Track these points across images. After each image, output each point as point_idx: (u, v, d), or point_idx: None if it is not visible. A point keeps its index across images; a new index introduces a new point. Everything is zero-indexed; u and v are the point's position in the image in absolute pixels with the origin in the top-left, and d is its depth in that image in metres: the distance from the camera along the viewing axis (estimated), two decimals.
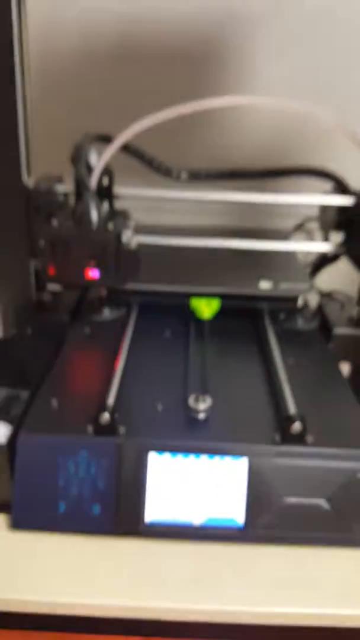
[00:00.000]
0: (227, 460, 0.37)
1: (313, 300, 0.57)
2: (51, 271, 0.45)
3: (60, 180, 0.51)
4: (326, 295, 0.60)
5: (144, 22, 0.65)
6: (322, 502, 0.37)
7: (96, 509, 0.37)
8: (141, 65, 0.68)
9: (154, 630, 0.38)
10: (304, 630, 0.37)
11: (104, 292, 0.55)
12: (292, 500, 0.37)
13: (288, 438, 0.38)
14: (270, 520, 0.37)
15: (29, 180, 0.47)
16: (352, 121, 0.48)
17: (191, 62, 0.67)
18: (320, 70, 0.67)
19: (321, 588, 0.36)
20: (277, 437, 0.38)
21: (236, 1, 0.64)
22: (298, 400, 0.41)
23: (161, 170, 0.53)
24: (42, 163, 0.51)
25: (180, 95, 0.68)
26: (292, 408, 0.39)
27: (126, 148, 0.49)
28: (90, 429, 0.38)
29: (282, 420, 0.38)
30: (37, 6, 0.46)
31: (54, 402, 0.41)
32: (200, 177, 0.55)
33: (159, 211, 0.59)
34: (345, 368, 0.50)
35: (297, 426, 0.37)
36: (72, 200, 0.51)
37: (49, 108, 0.52)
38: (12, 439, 0.38)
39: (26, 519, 0.38)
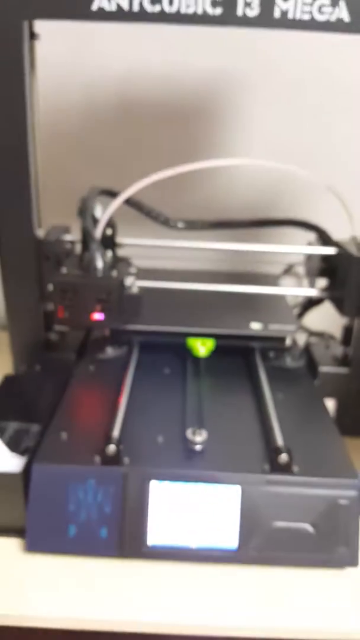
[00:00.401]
0: (222, 488, 0.41)
1: (301, 339, 0.61)
2: (60, 314, 0.50)
3: (67, 230, 0.56)
4: (313, 335, 0.65)
5: (143, 83, 0.72)
6: (307, 527, 0.41)
7: (103, 532, 0.40)
8: (141, 122, 0.74)
9: None
10: None
11: (107, 332, 0.59)
12: (281, 524, 0.41)
13: (276, 468, 0.41)
14: (261, 543, 0.40)
15: (39, 231, 0.52)
16: (330, 176, 0.55)
17: (187, 120, 0.73)
18: (305, 127, 0.74)
19: (307, 605, 0.39)
20: (267, 467, 0.42)
21: (228, 65, 0.71)
22: (286, 433, 0.45)
23: (159, 220, 0.59)
24: (49, 213, 0.56)
25: (178, 149, 0.75)
26: (279, 440, 0.43)
27: (127, 201, 0.54)
28: (97, 459, 0.42)
29: (271, 452, 0.42)
30: (45, 68, 0.52)
31: (64, 435, 0.44)
32: (196, 226, 0.60)
33: (157, 257, 0.65)
34: (330, 404, 0.54)
35: (284, 457, 0.41)
36: (78, 248, 0.56)
37: (55, 163, 0.57)
38: (27, 469, 0.41)
39: (39, 542, 0.41)
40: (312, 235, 0.58)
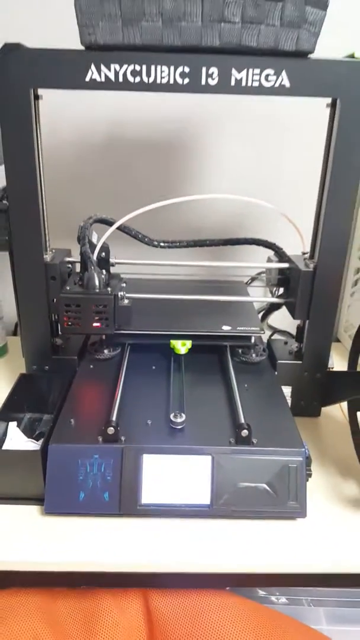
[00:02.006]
0: (197, 458, 0.52)
1: (264, 337, 0.73)
2: (65, 324, 0.60)
3: (69, 254, 0.66)
4: (276, 332, 0.76)
5: (128, 124, 0.82)
6: (265, 486, 0.51)
7: (106, 496, 0.51)
8: (126, 157, 0.84)
9: (150, 581, 0.52)
10: (253, 576, 0.51)
11: (103, 336, 0.70)
12: (244, 485, 0.51)
13: (239, 440, 0.52)
14: (228, 500, 0.51)
15: (46, 256, 0.62)
16: (285, 202, 0.65)
17: (167, 154, 0.84)
18: (264, 161, 0.85)
19: (266, 547, 0.50)
20: (232, 440, 0.53)
21: (200, 108, 0.82)
22: (248, 413, 0.55)
23: (144, 241, 0.68)
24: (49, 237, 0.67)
25: (160, 180, 0.86)
26: (242, 419, 0.54)
27: (118, 226, 0.65)
28: (100, 439, 0.52)
29: (235, 428, 0.53)
30: (42, 111, 0.58)
31: (72, 421, 0.55)
32: (175, 245, 0.70)
33: (144, 272, 0.75)
34: (287, 390, 0.65)
35: (245, 432, 0.52)
36: (77, 268, 0.66)
37: (52, 194, 0.67)
38: (44, 448, 0.52)
39: (55, 506, 0.51)
40: (271, 252, 0.69)
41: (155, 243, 0.69)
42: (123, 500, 0.51)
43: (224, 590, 0.56)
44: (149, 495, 0.51)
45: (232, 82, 0.53)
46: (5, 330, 0.84)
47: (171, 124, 0.83)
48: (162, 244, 0.69)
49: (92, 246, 0.62)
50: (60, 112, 0.80)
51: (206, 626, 0.52)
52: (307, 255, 0.65)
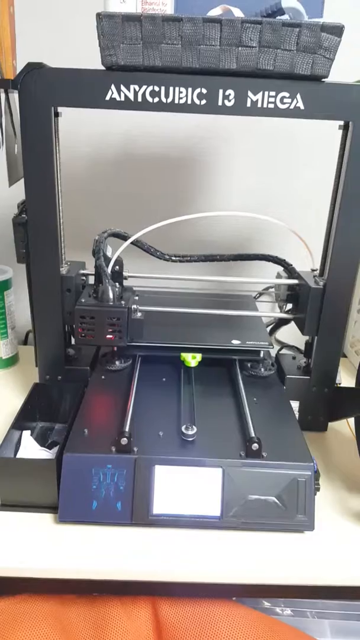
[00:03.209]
0: (208, 470, 0.53)
1: (273, 352, 0.74)
2: (80, 335, 0.61)
3: (83, 267, 0.68)
4: (284, 347, 0.77)
5: (142, 140, 0.84)
6: (274, 499, 0.52)
7: (119, 505, 0.52)
8: (140, 173, 0.86)
9: (159, 590, 0.53)
10: (260, 587, 0.52)
11: (115, 348, 0.71)
12: (253, 497, 0.52)
13: (249, 454, 0.53)
14: (238, 512, 0.52)
15: (62, 269, 0.63)
16: (295, 218, 0.67)
17: (179, 170, 0.86)
18: (274, 177, 0.87)
19: (273, 559, 0.51)
20: (242, 453, 0.53)
21: (212, 123, 0.83)
22: (258, 427, 0.56)
23: (156, 255, 0.70)
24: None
25: (172, 195, 0.88)
26: (252, 433, 0.55)
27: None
28: (113, 449, 0.53)
29: (246, 442, 0.54)
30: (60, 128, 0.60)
31: (86, 431, 0.56)
32: (187, 259, 0.71)
33: (156, 286, 0.77)
34: (295, 405, 0.66)
35: (255, 446, 0.53)
36: (91, 280, 0.68)
37: (67, 208, 0.69)
38: (58, 457, 0.53)
39: (69, 514, 0.52)
40: (280, 267, 0.71)
41: (167, 257, 0.70)
42: (135, 510, 0.52)
43: (231, 600, 0.57)
44: (160, 505, 0.52)
45: (248, 104, 0.55)
46: (17, 339, 0.85)
47: (183, 139, 0.84)
48: (173, 258, 0.71)
49: (107, 260, 0.63)
50: (76, 126, 0.81)
51: (213, 635, 0.53)
52: (316, 272, 0.67)
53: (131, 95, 0.54)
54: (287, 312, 0.70)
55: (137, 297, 0.65)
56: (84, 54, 0.55)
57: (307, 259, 0.67)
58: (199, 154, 0.85)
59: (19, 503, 0.54)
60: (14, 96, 0.57)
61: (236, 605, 0.56)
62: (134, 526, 0.53)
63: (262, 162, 0.86)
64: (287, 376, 0.67)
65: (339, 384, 0.67)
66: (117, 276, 0.64)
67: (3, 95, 0.58)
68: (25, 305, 0.69)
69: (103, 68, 0.53)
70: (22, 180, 0.58)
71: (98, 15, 0.50)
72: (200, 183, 0.87)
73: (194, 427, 0.56)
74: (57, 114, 0.58)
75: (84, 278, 0.68)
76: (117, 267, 0.65)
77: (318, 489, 0.54)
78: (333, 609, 0.61)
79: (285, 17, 0.52)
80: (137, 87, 0.54)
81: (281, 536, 0.53)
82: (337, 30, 0.51)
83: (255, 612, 0.57)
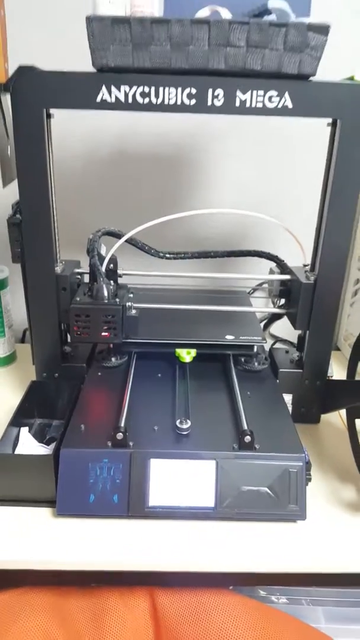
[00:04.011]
0: (202, 462, 0.54)
1: (266, 346, 0.75)
2: (75, 333, 0.62)
3: (78, 265, 0.69)
4: (278, 341, 0.78)
5: (135, 139, 0.84)
6: (267, 490, 0.54)
7: (115, 498, 0.53)
8: (134, 171, 0.86)
9: (156, 580, 0.55)
10: (254, 575, 0.54)
11: (110, 345, 0.72)
12: (246, 488, 0.54)
13: (242, 446, 0.54)
14: (231, 502, 0.54)
15: (57, 268, 0.64)
16: (286, 214, 0.67)
17: (173, 168, 0.86)
18: (265, 174, 0.88)
19: (266, 548, 0.52)
20: (235, 446, 0.55)
21: (204, 123, 0.84)
22: (251, 420, 0.58)
23: (150, 253, 0.71)
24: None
25: (165, 193, 0.89)
26: (245, 425, 0.56)
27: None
28: (109, 443, 0.54)
29: (239, 434, 0.55)
30: (53, 127, 0.60)
31: (82, 427, 0.57)
32: (180, 256, 0.72)
33: (151, 282, 0.78)
34: (287, 398, 0.67)
35: (248, 438, 0.54)
36: (86, 278, 0.69)
37: (61, 207, 0.69)
38: (56, 453, 0.54)
39: (67, 508, 0.53)
40: (273, 263, 0.72)
41: (161, 254, 0.71)
42: (131, 503, 0.53)
43: (227, 589, 0.58)
44: (156, 497, 0.54)
45: (237, 103, 0.55)
46: (14, 337, 0.87)
47: (176, 138, 0.85)
48: (167, 255, 0.72)
49: (101, 258, 0.64)
50: (68, 126, 0.82)
51: (210, 623, 0.54)
52: (307, 268, 0.68)
53: (122, 96, 0.55)
54: (280, 307, 0.72)
55: (131, 295, 0.66)
56: (74, 55, 0.56)
57: (299, 254, 0.68)
58: (192, 152, 0.86)
59: (18, 498, 0.55)
60: (6, 98, 0.58)
61: (232, 594, 0.58)
62: (131, 518, 0.54)
63: (254, 159, 0.87)
64: (280, 370, 0.68)
65: (331, 376, 0.69)
66: (112, 274, 0.65)
67: None
68: (22, 303, 0.70)
69: (94, 70, 0.54)
70: (16, 181, 0.59)
71: (88, 18, 0.51)
72: (193, 181, 0.88)
73: (188, 421, 0.57)
74: (49, 116, 0.59)
75: (78, 277, 0.69)
76: (112, 265, 0.66)
77: (309, 479, 0.55)
78: (326, 596, 0.63)
79: (272, 17, 0.53)
80: (127, 88, 0.54)
81: (274, 526, 0.54)
82: (323, 30, 0.52)
83: (250, 601, 0.58)
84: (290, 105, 0.56)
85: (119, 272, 0.67)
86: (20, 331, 0.93)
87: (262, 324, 0.76)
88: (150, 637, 0.55)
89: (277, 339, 0.82)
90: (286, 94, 0.55)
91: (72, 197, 0.86)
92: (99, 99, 0.55)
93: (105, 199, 0.89)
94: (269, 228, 0.82)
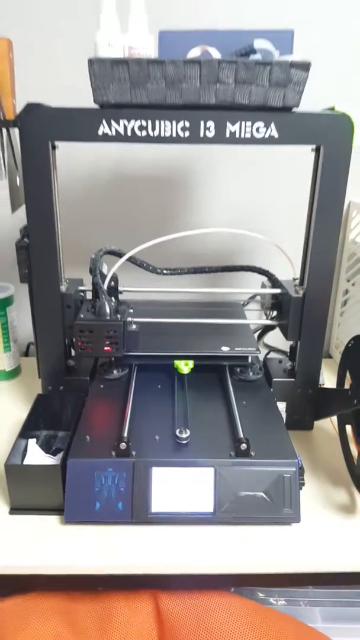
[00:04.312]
0: (201, 469, 0.57)
1: (260, 356, 0.79)
2: (80, 348, 0.66)
3: (81, 283, 0.73)
4: (272, 350, 0.82)
5: (133, 163, 0.89)
6: (262, 494, 0.57)
7: (120, 505, 0.56)
8: (132, 194, 0.91)
9: (159, 583, 0.58)
10: (252, 576, 0.57)
11: (112, 358, 0.75)
12: (243, 494, 0.56)
13: (239, 453, 0.58)
14: (229, 507, 0.56)
15: (62, 287, 0.68)
16: (276, 231, 0.71)
17: (168, 191, 0.91)
18: (255, 194, 0.92)
19: (263, 550, 0.55)
20: (232, 453, 0.58)
21: (197, 147, 0.88)
22: (246, 428, 0.61)
23: (149, 269, 0.75)
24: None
25: (162, 213, 0.93)
26: (241, 433, 0.60)
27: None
28: (113, 453, 0.57)
29: (235, 442, 0.59)
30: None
31: (87, 437, 0.60)
32: (177, 272, 0.76)
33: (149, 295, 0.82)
34: (281, 406, 0.71)
35: (244, 446, 0.57)
36: (88, 295, 0.73)
37: (64, 228, 0.74)
38: (63, 463, 0.57)
39: (74, 515, 0.56)
40: (265, 278, 0.76)
41: (159, 271, 0.75)
42: (135, 509, 0.56)
43: (228, 591, 0.61)
44: (158, 504, 0.57)
45: (227, 134, 0.60)
46: (19, 351, 0.90)
47: (172, 161, 0.89)
48: (165, 272, 0.75)
49: (103, 277, 0.68)
50: (70, 151, 0.85)
51: (212, 624, 0.57)
52: (297, 281, 0.72)
53: (121, 130, 0.59)
54: (272, 318, 0.75)
55: (131, 310, 0.70)
56: (77, 93, 0.60)
57: (289, 267, 0.72)
58: (186, 174, 0.91)
59: (28, 506, 0.58)
60: (15, 132, 0.62)
61: (233, 595, 0.60)
62: (135, 524, 0.57)
63: (245, 179, 0.91)
64: (274, 379, 0.72)
65: (322, 384, 0.72)
66: (113, 291, 0.69)
67: (5, 132, 0.63)
68: (25, 319, 0.73)
69: (95, 105, 0.59)
70: (24, 207, 0.63)
71: (90, 60, 0.56)
72: (188, 200, 0.92)
73: (187, 430, 0.60)
74: (54, 147, 0.63)
75: (82, 294, 0.72)
76: (113, 282, 0.69)
77: (303, 484, 0.58)
78: (322, 597, 0.66)
79: (258, 56, 0.58)
80: (126, 122, 0.59)
81: (270, 529, 0.57)
82: (304, 66, 0.56)
83: (250, 602, 0.61)
84: (276, 135, 0.60)
85: (120, 288, 0.71)
86: (24, 345, 0.97)
87: (255, 335, 0.80)
88: (155, 639, 0.58)
89: (270, 349, 0.86)
90: (272, 125, 0.60)
91: (74, 218, 0.90)
92: (100, 132, 0.59)
93: (105, 218, 0.93)
94: (261, 243, 0.86)
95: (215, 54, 0.58)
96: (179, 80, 0.57)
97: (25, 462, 0.62)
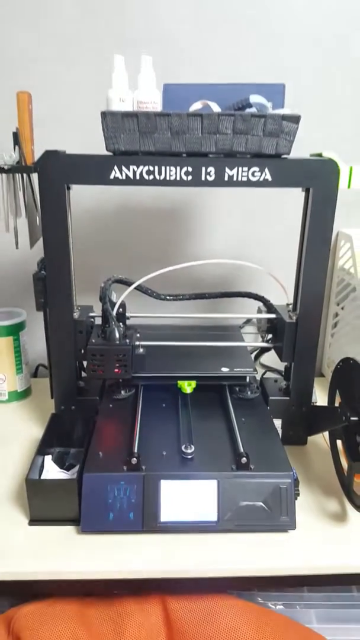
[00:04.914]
0: (205, 482, 0.62)
1: (257, 376, 0.85)
2: (91, 370, 0.71)
3: (91, 310, 0.79)
4: (269, 370, 0.88)
5: (138, 196, 0.95)
6: (261, 504, 0.62)
7: (131, 515, 0.61)
8: (136, 225, 0.97)
9: (168, 587, 0.63)
10: (253, 579, 0.62)
11: (120, 379, 0.81)
12: (244, 504, 0.62)
13: (239, 467, 0.63)
14: (232, 516, 0.62)
15: (75, 314, 0.74)
16: (271, 258, 0.77)
17: (172, 221, 0.97)
18: (252, 225, 0.99)
19: (263, 554, 0.60)
20: (234, 467, 0.63)
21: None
22: (246, 443, 0.66)
23: (153, 295, 0.81)
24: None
25: (165, 243, 0.99)
26: (241, 448, 0.65)
27: (130, 284, 0.77)
28: (124, 468, 0.63)
29: (236, 456, 0.64)
30: None
31: (100, 453, 0.66)
32: (179, 298, 0.82)
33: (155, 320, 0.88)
34: (277, 422, 0.76)
35: (244, 459, 0.63)
36: (97, 320, 0.78)
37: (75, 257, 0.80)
38: (79, 477, 0.62)
39: (89, 525, 0.61)
40: (260, 304, 0.82)
41: (163, 297, 0.81)
42: (145, 519, 0.61)
43: (230, 595, 0.66)
44: (166, 514, 0.62)
45: (226, 178, 0.66)
46: (30, 373, 0.95)
47: (174, 195, 0.96)
48: (168, 297, 0.81)
49: (112, 304, 0.74)
50: (81, 187, 0.93)
51: (218, 625, 0.62)
52: (290, 307, 0.78)
53: (131, 174, 0.66)
54: (267, 341, 0.81)
55: (138, 334, 0.76)
56: (91, 140, 0.67)
57: (283, 295, 0.78)
58: (187, 207, 0.97)
59: (47, 518, 0.63)
60: (34, 176, 0.69)
61: (236, 599, 0.65)
62: (145, 533, 0.62)
63: (242, 211, 0.98)
64: (270, 397, 0.78)
65: (315, 402, 0.78)
66: (121, 317, 0.75)
67: (25, 176, 0.69)
68: (35, 342, 0.78)
69: (107, 153, 0.65)
70: (40, 241, 0.69)
71: (102, 113, 0.62)
72: (189, 231, 0.99)
73: (192, 446, 0.66)
74: (69, 188, 0.69)
75: (92, 319, 0.78)
76: (121, 309, 0.75)
77: (298, 494, 0.64)
78: (317, 600, 0.71)
79: (253, 109, 0.65)
80: (135, 168, 0.65)
81: (269, 535, 0.63)
82: (295, 119, 0.63)
83: (251, 604, 0.66)
84: (270, 179, 0.67)
85: (127, 314, 0.77)
86: (34, 367, 1.02)
87: (252, 356, 0.86)
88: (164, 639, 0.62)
89: (267, 369, 0.92)
90: (266, 170, 0.66)
91: (82, 247, 0.96)
92: (111, 176, 0.66)
93: (112, 248, 0.99)
94: (256, 270, 0.92)
95: (215, 107, 0.65)
96: (183, 131, 0.63)
97: (42, 477, 0.67)
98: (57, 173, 0.65)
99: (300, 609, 0.72)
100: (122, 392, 0.80)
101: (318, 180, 0.67)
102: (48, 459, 0.70)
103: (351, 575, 0.61)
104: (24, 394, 0.93)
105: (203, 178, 0.66)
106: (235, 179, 0.66)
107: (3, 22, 0.86)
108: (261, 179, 0.67)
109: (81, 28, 0.87)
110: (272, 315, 0.79)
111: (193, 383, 0.78)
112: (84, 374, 0.80)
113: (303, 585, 0.68)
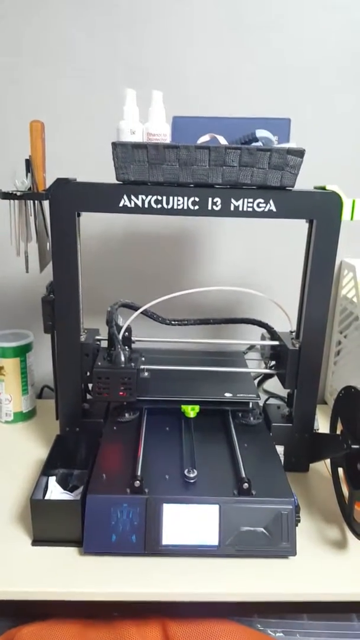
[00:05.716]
0: (207, 506, 0.63)
1: (260, 402, 0.85)
2: (97, 393, 0.72)
3: (97, 333, 0.80)
4: (272, 397, 0.88)
5: (143, 223, 0.98)
6: (262, 529, 0.62)
7: (134, 538, 0.62)
8: (141, 251, 1.00)
9: (167, 610, 0.63)
10: (253, 604, 0.62)
11: (124, 402, 0.82)
12: (245, 529, 0.62)
13: (241, 492, 0.64)
14: (233, 541, 0.62)
15: (82, 337, 0.76)
16: (274, 284, 0.79)
17: (176, 247, 1.00)
18: (255, 252, 1.01)
19: (263, 580, 0.60)
20: (235, 492, 0.64)
21: None
22: (248, 469, 0.67)
23: (158, 320, 0.82)
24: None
25: (169, 268, 1.01)
26: (243, 474, 0.66)
27: (136, 308, 0.78)
28: (128, 490, 0.63)
29: (238, 482, 0.65)
30: None
31: (104, 475, 0.66)
32: (184, 323, 0.84)
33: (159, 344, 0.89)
34: (280, 449, 0.76)
35: (246, 485, 0.63)
36: (103, 343, 0.80)
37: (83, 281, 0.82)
38: (82, 498, 0.63)
39: (92, 547, 0.62)
40: (264, 330, 0.83)
41: (168, 322, 0.82)
42: (147, 542, 0.62)
43: (230, 620, 0.66)
44: (168, 537, 0.62)
45: (232, 208, 0.69)
46: (35, 394, 0.97)
47: (179, 221, 0.99)
48: (173, 322, 0.83)
49: (118, 328, 0.75)
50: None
51: None
52: (293, 334, 0.79)
53: (139, 203, 0.68)
54: (270, 367, 0.83)
55: (144, 358, 0.77)
56: (102, 170, 0.69)
57: (286, 322, 0.79)
58: (192, 233, 1.00)
59: (50, 538, 0.64)
60: (45, 202, 0.71)
61: (235, 623, 0.65)
62: (147, 555, 0.62)
63: (246, 239, 1.00)
64: (273, 424, 0.78)
65: (317, 429, 0.79)
66: (127, 341, 0.76)
67: (37, 202, 0.72)
68: (41, 363, 0.78)
69: (117, 182, 0.68)
70: (49, 266, 0.71)
71: (113, 144, 0.65)
72: (194, 257, 1.01)
73: (194, 470, 0.67)
74: (79, 215, 0.71)
75: (98, 343, 0.80)
76: (127, 333, 0.77)
77: (299, 521, 0.64)
78: (316, 629, 0.70)
79: (259, 143, 0.67)
80: (144, 197, 0.68)
81: (269, 561, 0.63)
82: (299, 153, 0.66)
83: (250, 630, 0.66)
84: (274, 210, 0.69)
85: (133, 338, 0.79)
86: (39, 388, 1.03)
87: (256, 382, 0.87)
88: None
89: (270, 395, 0.93)
90: (271, 201, 0.69)
91: (90, 272, 0.98)
92: (121, 204, 0.68)
93: (119, 273, 1.01)
94: (259, 301, 0.94)
95: (222, 140, 0.68)
96: (191, 163, 0.66)
97: (46, 498, 0.68)
98: (67, 200, 0.68)
99: (300, 637, 0.72)
100: (127, 414, 0.81)
101: (322, 212, 0.69)
102: (52, 480, 0.71)
103: (351, 603, 0.61)
104: (29, 414, 0.95)
105: (209, 208, 0.68)
106: (240, 209, 0.69)
107: (21, 56, 0.90)
108: (266, 209, 0.69)
109: (96, 60, 0.90)
110: (276, 342, 0.80)
111: (196, 407, 0.79)
112: (89, 396, 0.81)
113: (303, 612, 0.68)
